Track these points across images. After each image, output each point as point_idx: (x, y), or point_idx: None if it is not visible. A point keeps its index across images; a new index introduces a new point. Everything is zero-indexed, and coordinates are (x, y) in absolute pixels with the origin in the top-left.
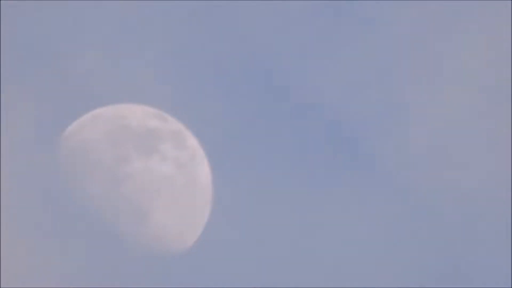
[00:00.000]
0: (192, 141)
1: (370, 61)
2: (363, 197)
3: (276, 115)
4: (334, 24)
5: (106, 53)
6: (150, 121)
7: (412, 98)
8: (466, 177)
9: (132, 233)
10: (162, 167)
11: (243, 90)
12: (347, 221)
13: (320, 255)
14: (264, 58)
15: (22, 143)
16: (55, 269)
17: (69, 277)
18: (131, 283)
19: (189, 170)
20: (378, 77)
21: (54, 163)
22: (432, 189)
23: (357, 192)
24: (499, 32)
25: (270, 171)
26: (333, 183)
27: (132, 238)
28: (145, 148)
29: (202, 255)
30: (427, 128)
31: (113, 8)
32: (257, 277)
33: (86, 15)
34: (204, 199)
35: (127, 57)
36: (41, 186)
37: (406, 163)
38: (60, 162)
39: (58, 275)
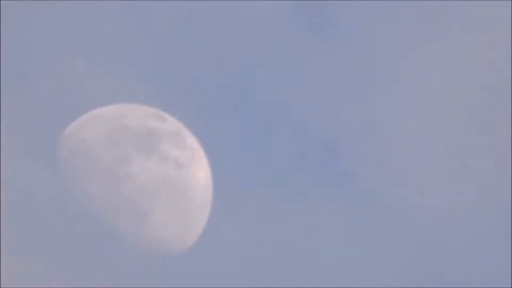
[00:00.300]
0: (191, 141)
1: (366, 63)
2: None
3: (272, 118)
4: (324, 30)
5: (105, 53)
6: (149, 121)
7: (411, 98)
8: (465, 182)
9: (132, 233)
10: (162, 167)
11: (242, 91)
12: (339, 222)
13: (318, 255)
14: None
15: (22, 143)
16: (55, 269)
17: (69, 277)
18: (131, 283)
19: (189, 170)
20: (373, 78)
21: (54, 163)
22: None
23: (350, 192)
24: (499, 32)
25: (269, 171)
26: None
27: (132, 238)
28: (145, 148)
29: (202, 255)
30: (424, 130)
31: (111, 8)
32: (257, 277)
33: (86, 16)
34: (204, 199)
35: (127, 58)
36: (41, 186)
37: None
38: (60, 162)
39: (58, 275)
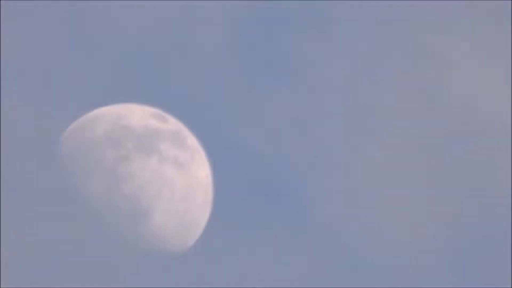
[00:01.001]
0: (192, 141)
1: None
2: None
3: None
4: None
5: (105, 53)
6: (150, 121)
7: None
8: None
9: (132, 233)
10: (162, 167)
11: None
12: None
13: (320, 253)
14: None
15: (22, 143)
16: (55, 269)
17: (69, 277)
18: (131, 283)
19: (189, 170)
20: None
21: (54, 163)
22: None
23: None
24: (499, 32)
25: (269, 171)
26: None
27: (132, 238)
28: (145, 148)
29: (202, 255)
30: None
31: (111, 8)
32: (257, 277)
33: (87, 15)
34: (204, 199)
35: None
36: (41, 186)
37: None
38: (60, 162)
39: (58, 275)
